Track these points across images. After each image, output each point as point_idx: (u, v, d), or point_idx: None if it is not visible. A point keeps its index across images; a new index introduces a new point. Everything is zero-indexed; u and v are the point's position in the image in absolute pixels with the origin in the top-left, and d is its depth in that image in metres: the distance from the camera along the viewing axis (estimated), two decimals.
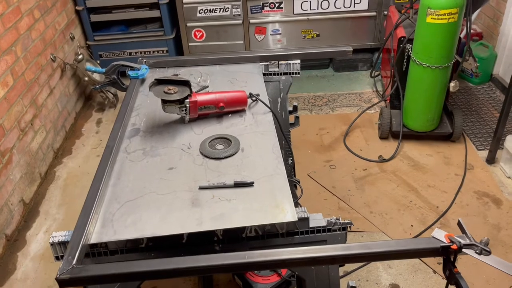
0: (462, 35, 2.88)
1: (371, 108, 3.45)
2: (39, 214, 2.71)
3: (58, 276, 1.00)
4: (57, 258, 1.20)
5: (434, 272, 2.19)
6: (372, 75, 3.72)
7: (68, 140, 3.37)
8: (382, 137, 3.11)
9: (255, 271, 2.04)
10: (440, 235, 1.05)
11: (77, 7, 3.70)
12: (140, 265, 1.05)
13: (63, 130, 3.35)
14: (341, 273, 2.21)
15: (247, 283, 2.03)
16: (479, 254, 1.01)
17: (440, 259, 2.24)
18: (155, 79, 1.59)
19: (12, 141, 2.63)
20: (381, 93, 3.62)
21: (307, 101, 3.66)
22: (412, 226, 2.44)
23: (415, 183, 2.72)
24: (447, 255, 1.05)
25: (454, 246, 1.02)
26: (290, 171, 2.31)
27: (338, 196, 2.67)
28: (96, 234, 1.17)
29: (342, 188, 2.73)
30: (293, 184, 2.32)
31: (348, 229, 1.29)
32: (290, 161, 2.30)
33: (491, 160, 2.84)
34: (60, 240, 1.18)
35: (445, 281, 2.23)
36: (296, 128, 2.39)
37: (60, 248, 1.19)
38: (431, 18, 2.54)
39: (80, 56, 3.49)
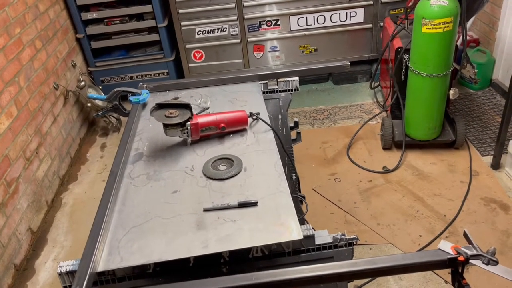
0: (459, 43, 2.90)
1: (373, 119, 3.46)
2: (47, 242, 2.72)
3: None
4: None
5: (446, 282, 2.16)
6: (372, 86, 3.73)
7: (74, 166, 3.40)
8: (385, 147, 3.11)
9: None
10: (447, 246, 1.05)
11: (77, 35, 3.76)
12: None
13: (68, 157, 3.38)
14: (351, 287, 2.19)
15: None
16: (487, 264, 1.00)
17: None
18: (156, 104, 1.62)
19: (18, 170, 2.66)
20: (382, 103, 3.63)
21: (308, 115, 3.68)
22: (420, 236, 2.42)
23: (421, 192, 2.71)
24: (455, 267, 1.04)
25: (461, 258, 1.01)
26: (295, 186, 2.32)
27: (344, 209, 2.66)
28: (103, 262, 1.18)
29: (348, 201, 2.72)
30: (299, 200, 2.32)
31: (355, 243, 1.29)
32: (294, 177, 2.30)
33: (496, 165, 2.83)
34: (67, 270, 1.19)
35: None
36: (299, 143, 2.40)
37: (68, 278, 1.20)
38: (426, 28, 2.57)
39: (82, 83, 3.54)
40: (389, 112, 3.31)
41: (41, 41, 3.17)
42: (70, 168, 3.36)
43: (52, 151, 3.12)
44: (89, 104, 3.63)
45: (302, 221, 2.12)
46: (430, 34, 2.57)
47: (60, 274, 1.19)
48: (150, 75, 3.97)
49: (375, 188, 2.80)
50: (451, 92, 2.82)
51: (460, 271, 1.04)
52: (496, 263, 0.99)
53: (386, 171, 2.91)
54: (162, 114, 1.59)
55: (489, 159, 2.89)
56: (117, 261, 1.18)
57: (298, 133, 2.32)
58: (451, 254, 1.03)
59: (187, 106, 1.63)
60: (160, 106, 1.62)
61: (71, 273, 1.19)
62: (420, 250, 2.34)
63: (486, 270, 2.15)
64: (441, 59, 2.65)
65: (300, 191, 2.45)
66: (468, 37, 3.65)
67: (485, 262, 1.00)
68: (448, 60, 2.68)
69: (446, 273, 2.21)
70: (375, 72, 3.60)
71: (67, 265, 1.20)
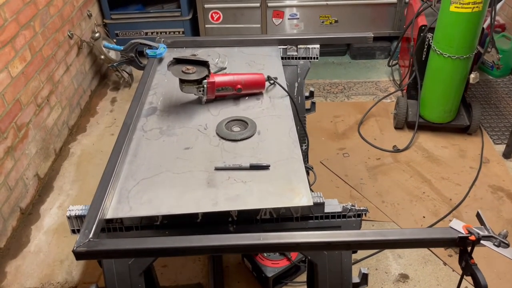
0: (485, 26, 2.81)
1: (387, 97, 3.41)
2: (53, 189, 2.75)
3: (75, 248, 1.01)
4: (73, 231, 1.22)
5: (445, 264, 2.18)
6: (390, 64, 3.66)
7: (83, 117, 3.40)
8: (397, 127, 3.08)
9: (265, 255, 2.05)
10: (458, 225, 1.04)
11: None
12: (156, 242, 1.06)
13: (78, 108, 3.37)
14: None
15: (257, 266, 2.04)
16: (497, 246, 0.99)
17: (451, 251, 2.23)
18: (174, 58, 1.59)
19: (29, 116, 2.66)
20: (398, 82, 3.57)
21: (322, 88, 3.63)
22: (424, 217, 2.42)
23: (429, 174, 2.70)
24: (464, 246, 1.04)
25: (472, 237, 1.00)
26: (304, 157, 2.31)
27: (350, 185, 2.65)
28: (112, 209, 1.18)
29: (355, 176, 2.71)
30: (306, 170, 2.31)
31: (364, 215, 1.28)
32: (304, 147, 2.29)
33: (508, 154, 2.79)
34: (77, 214, 1.20)
35: (455, 274, 2.22)
36: (311, 114, 2.37)
37: (76, 222, 1.21)
38: (455, 7, 2.48)
39: (97, 34, 3.49)
40: (404, 91, 3.25)
41: None
42: (80, 119, 3.36)
43: (63, 100, 3.11)
44: (102, 57, 3.59)
45: None
46: (458, 13, 2.49)
47: (69, 218, 1.20)
48: (166, 32, 3.89)
49: (383, 166, 2.78)
50: (472, 76, 2.76)
51: (469, 251, 1.03)
52: (507, 245, 0.99)
53: (396, 150, 2.89)
54: (179, 69, 1.57)
55: (501, 147, 2.85)
56: (126, 210, 1.18)
57: (313, 103, 2.29)
58: (462, 233, 1.02)
59: (205, 64, 1.60)
60: (178, 61, 1.59)
61: (80, 218, 1.19)
62: None
63: (486, 256, 2.15)
64: (466, 41, 2.57)
65: (308, 162, 2.44)
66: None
67: (496, 244, 0.99)
68: (473, 42, 2.60)
69: (445, 255, 2.22)
70: (395, 50, 3.52)
71: (77, 210, 1.20)
